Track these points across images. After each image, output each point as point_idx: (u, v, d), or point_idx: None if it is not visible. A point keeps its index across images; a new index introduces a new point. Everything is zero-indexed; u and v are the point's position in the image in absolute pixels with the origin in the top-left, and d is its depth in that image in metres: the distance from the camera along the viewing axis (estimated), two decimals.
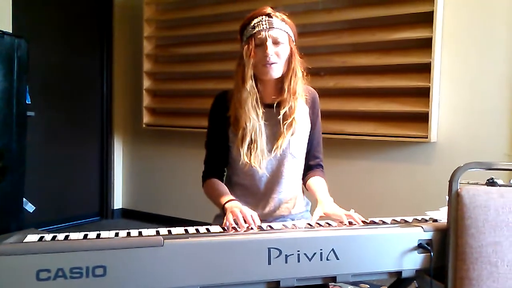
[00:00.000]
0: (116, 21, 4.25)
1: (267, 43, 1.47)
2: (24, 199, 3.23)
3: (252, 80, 1.51)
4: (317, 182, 1.62)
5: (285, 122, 1.53)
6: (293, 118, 1.54)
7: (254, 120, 1.51)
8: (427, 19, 2.83)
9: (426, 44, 2.84)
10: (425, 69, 2.85)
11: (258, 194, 1.60)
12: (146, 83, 4.05)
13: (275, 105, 1.56)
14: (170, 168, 4.07)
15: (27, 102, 3.31)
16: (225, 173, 1.66)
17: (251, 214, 1.37)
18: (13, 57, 2.96)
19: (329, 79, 3.22)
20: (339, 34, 3.20)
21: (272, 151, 1.55)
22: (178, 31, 3.95)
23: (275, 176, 1.58)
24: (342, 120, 3.17)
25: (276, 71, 1.51)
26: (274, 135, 1.56)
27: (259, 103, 1.53)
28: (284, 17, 1.54)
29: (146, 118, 4.06)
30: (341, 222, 1.40)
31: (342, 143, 3.22)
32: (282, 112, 1.54)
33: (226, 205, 1.44)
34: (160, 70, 4.09)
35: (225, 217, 1.38)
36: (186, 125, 3.77)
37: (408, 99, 2.97)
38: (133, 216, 4.30)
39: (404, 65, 2.96)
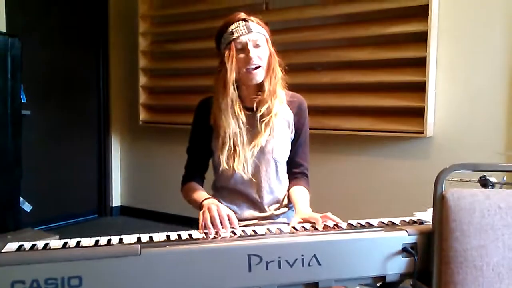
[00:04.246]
0: (111, 17, 4.23)
1: (249, 47, 1.47)
2: (21, 198, 3.24)
3: (234, 85, 1.50)
4: (298, 193, 1.60)
5: (263, 120, 1.52)
6: (271, 116, 1.52)
7: (235, 127, 1.49)
8: (422, 13, 2.79)
9: (421, 38, 2.80)
10: (421, 63, 2.81)
11: (242, 197, 1.58)
12: (142, 79, 4.03)
13: (255, 107, 1.55)
14: (168, 164, 4.06)
15: (22, 101, 3.31)
16: (204, 179, 1.66)
17: (228, 214, 1.36)
18: (6, 56, 2.95)
19: (324, 74, 3.18)
20: (334, 28, 3.17)
21: (251, 150, 1.53)
22: (174, 27, 3.92)
23: (260, 180, 1.57)
24: (338, 115, 3.14)
25: (260, 75, 1.50)
26: (254, 137, 1.54)
27: (240, 108, 1.51)
28: (259, 20, 1.54)
29: (142, 115, 4.05)
30: (315, 225, 1.36)
31: (337, 138, 3.19)
32: (261, 110, 1.52)
33: (204, 202, 1.43)
34: (156, 66, 4.07)
35: (201, 213, 1.37)
36: (183, 122, 3.73)
37: (403, 94, 2.94)
38: (132, 214, 4.31)
39: (399, 59, 2.92)
